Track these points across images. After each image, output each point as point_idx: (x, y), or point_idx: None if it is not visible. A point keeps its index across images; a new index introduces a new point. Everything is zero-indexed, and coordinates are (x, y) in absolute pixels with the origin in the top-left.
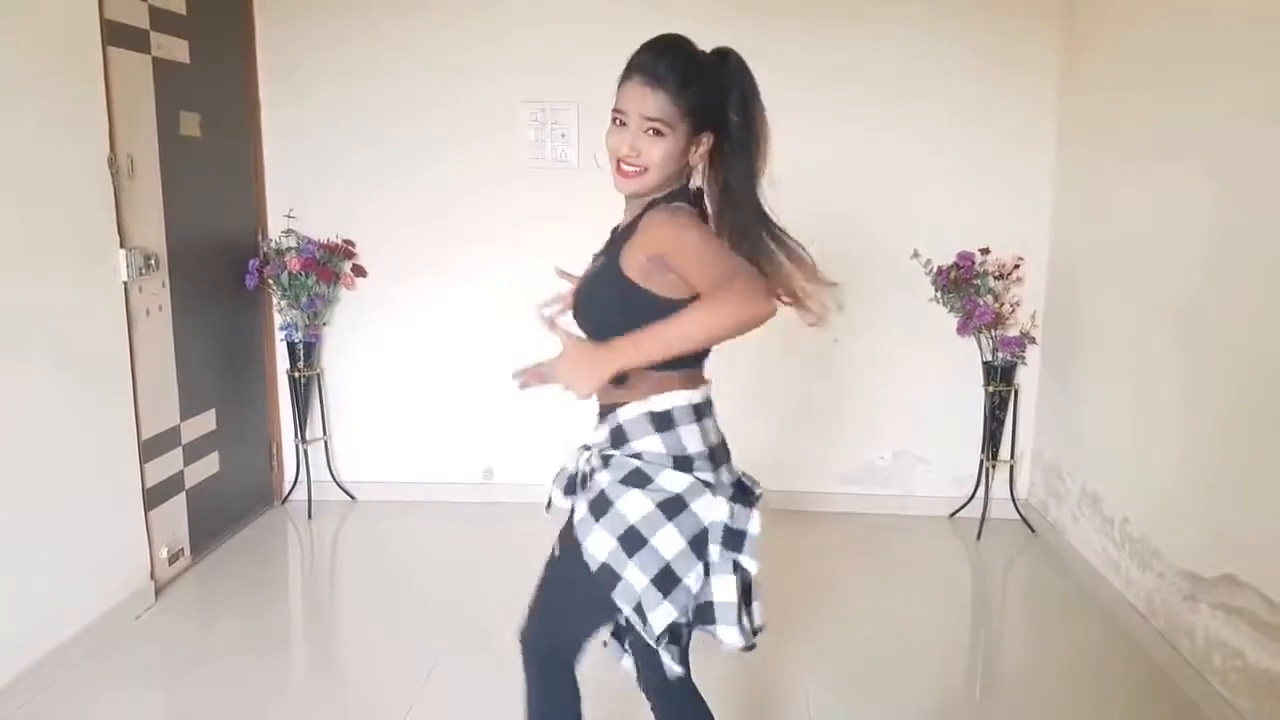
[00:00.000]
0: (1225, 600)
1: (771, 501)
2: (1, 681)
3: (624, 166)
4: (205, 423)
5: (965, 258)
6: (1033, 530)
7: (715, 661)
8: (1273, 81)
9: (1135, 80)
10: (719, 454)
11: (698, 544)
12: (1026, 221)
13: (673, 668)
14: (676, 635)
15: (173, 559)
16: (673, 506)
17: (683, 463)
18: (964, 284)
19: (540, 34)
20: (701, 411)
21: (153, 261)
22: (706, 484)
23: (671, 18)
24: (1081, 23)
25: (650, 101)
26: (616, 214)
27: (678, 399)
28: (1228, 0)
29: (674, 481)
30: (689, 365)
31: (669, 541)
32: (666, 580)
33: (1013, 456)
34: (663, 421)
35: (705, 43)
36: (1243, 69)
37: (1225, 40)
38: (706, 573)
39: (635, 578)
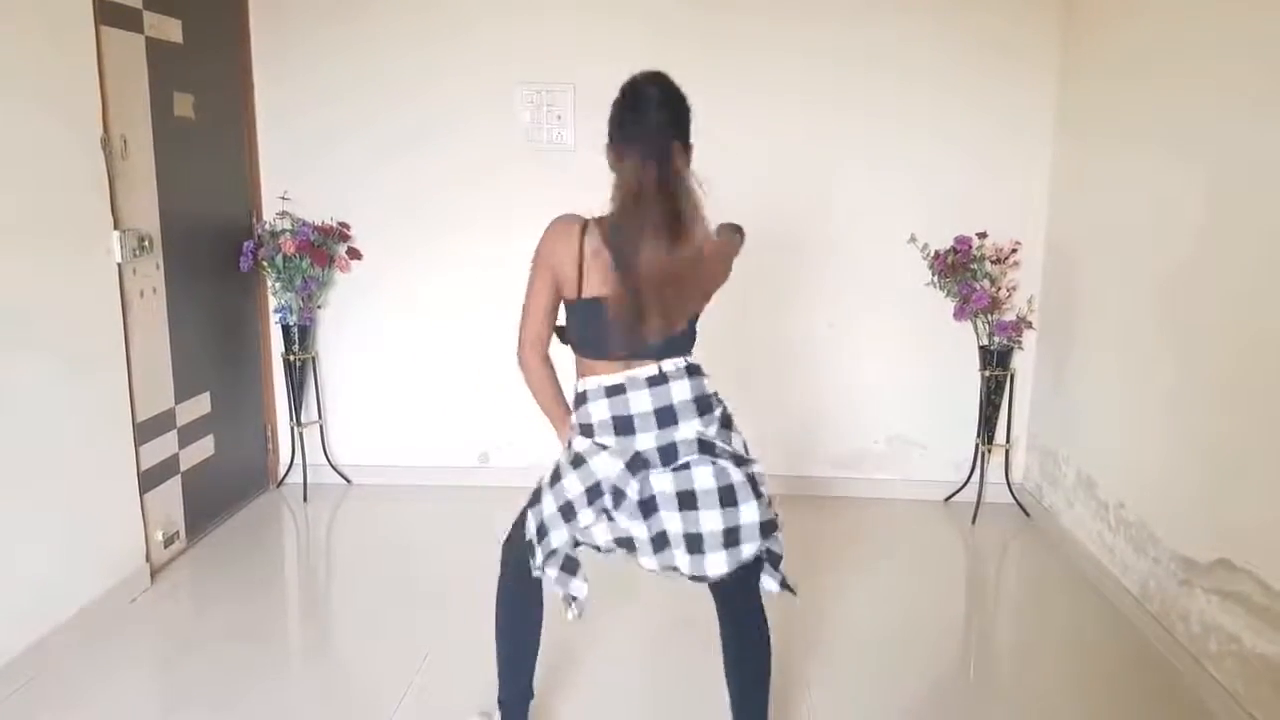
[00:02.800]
0: (1221, 585)
1: (767, 486)
2: None
3: None
4: (200, 405)
5: (963, 242)
6: (1028, 515)
7: (711, 649)
8: (1270, 71)
9: (1134, 68)
10: (629, 424)
11: (592, 492)
12: (1024, 206)
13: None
14: (567, 563)
15: (168, 542)
16: (578, 460)
17: (586, 430)
18: (961, 268)
19: (536, 15)
20: (613, 390)
21: (146, 243)
22: (602, 446)
23: (668, 4)
24: (1082, 10)
25: None
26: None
27: (589, 383)
28: None
29: (579, 444)
30: (596, 355)
31: (572, 485)
32: (568, 512)
33: (1008, 441)
34: (579, 399)
35: (702, 30)
36: (1242, 58)
37: (1224, 29)
38: (609, 516)
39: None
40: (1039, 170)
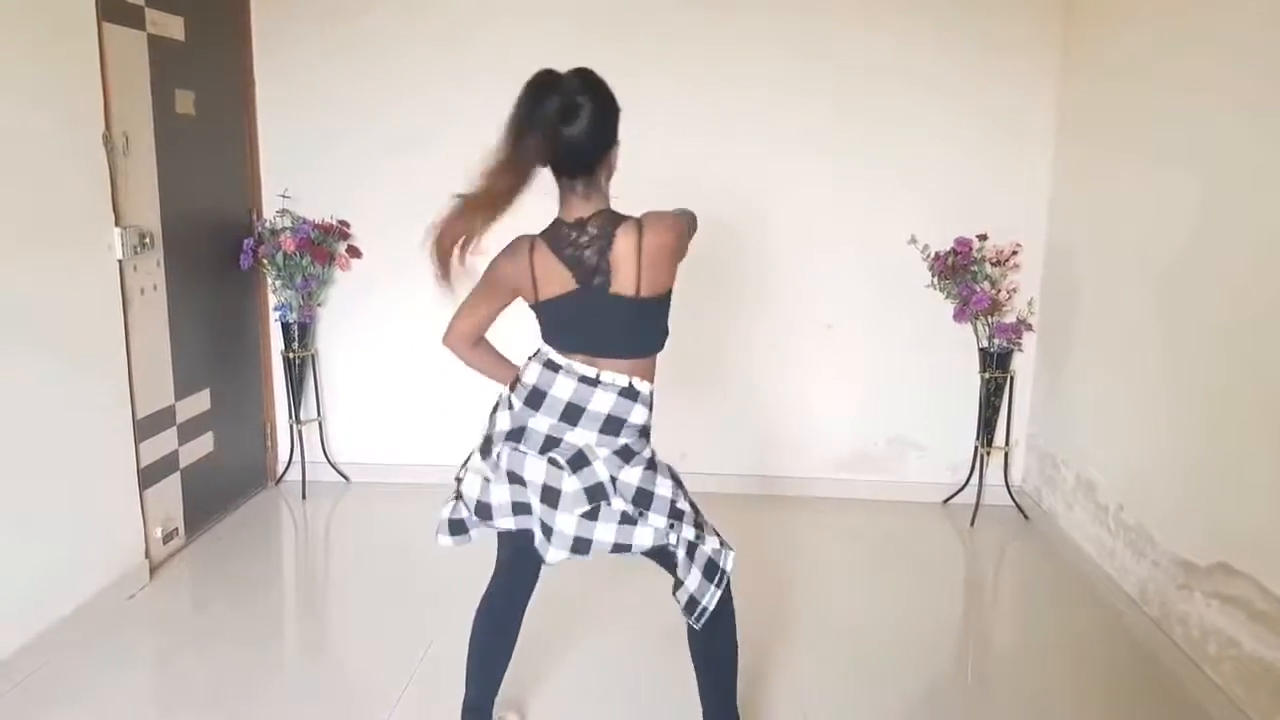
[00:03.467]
0: (1220, 588)
1: (766, 487)
2: None
3: None
4: (200, 403)
5: (963, 244)
6: (1026, 517)
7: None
8: (1268, 75)
9: (1135, 69)
10: (539, 400)
11: (486, 443)
12: (1024, 208)
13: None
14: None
15: (167, 538)
16: (494, 407)
17: (514, 383)
18: (961, 270)
19: (537, 17)
20: (550, 365)
21: (148, 240)
22: (510, 406)
23: (668, 4)
24: (1082, 13)
25: None
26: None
27: (542, 348)
28: None
29: (502, 391)
30: (561, 349)
31: (486, 428)
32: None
33: (1007, 443)
34: (531, 356)
35: (701, 32)
36: (1241, 62)
37: (1224, 31)
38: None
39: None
40: (1039, 172)
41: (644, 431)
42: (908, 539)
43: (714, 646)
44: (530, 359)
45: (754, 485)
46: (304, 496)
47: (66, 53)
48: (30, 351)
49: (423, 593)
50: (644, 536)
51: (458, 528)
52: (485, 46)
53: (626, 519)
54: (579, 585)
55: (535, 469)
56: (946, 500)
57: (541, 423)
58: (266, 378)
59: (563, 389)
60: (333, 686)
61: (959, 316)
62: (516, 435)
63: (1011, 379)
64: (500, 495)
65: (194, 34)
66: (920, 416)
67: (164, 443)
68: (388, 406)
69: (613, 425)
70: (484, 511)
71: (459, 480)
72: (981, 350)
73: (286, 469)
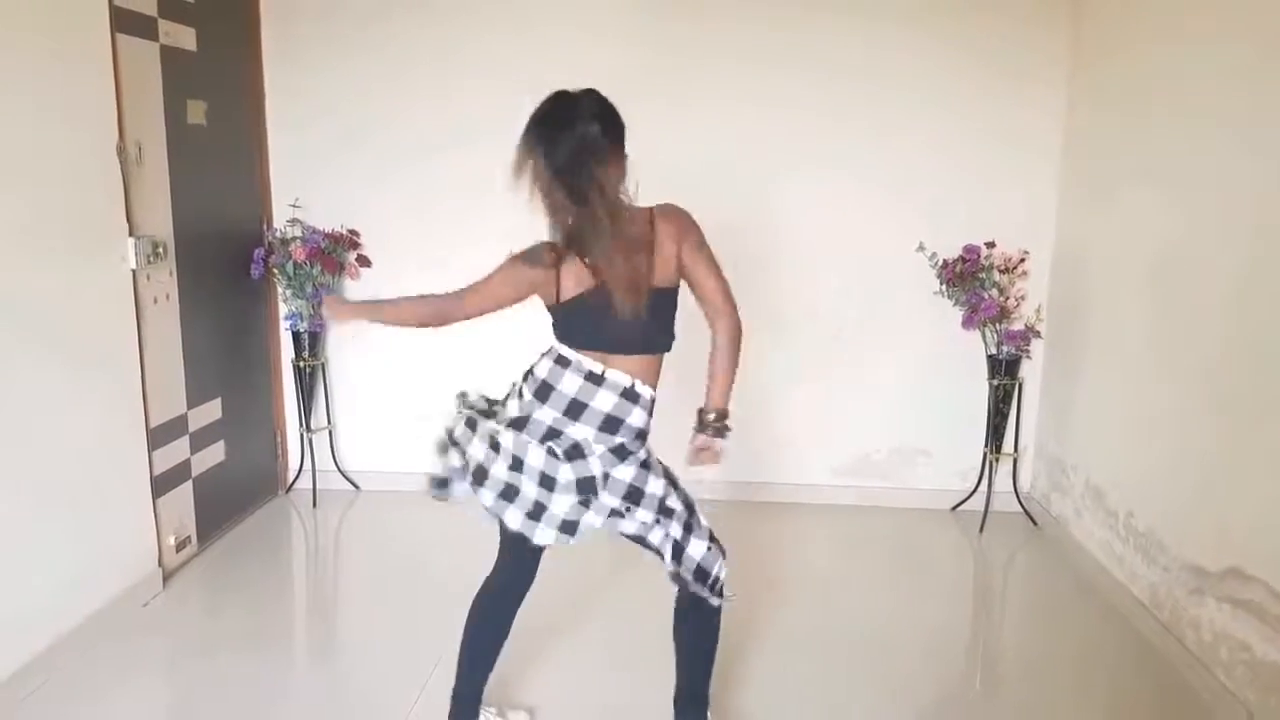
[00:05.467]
0: (1232, 593)
1: (774, 494)
2: (10, 668)
3: None
4: (211, 411)
5: (971, 251)
6: (1035, 524)
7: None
8: (1262, 93)
9: (1142, 85)
10: (546, 395)
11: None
12: (1032, 215)
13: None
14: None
15: (180, 546)
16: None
17: (540, 390)
18: (969, 277)
19: (547, 25)
20: (557, 359)
21: (160, 250)
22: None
23: (674, 13)
24: (1091, 28)
25: None
26: None
27: (574, 355)
28: (1229, 18)
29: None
30: (580, 346)
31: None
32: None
33: (1016, 450)
34: (559, 361)
35: (709, 46)
36: (1238, 80)
37: (1226, 51)
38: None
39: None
40: (1046, 180)
41: (641, 434)
42: (916, 546)
43: (702, 637)
44: (543, 355)
45: (762, 492)
46: (314, 505)
47: (80, 64)
48: (44, 360)
49: (434, 601)
50: (628, 527)
51: (443, 483)
52: (496, 57)
53: (614, 514)
54: (577, 579)
55: (535, 456)
56: (955, 507)
57: (546, 415)
58: (277, 386)
59: (569, 385)
60: (345, 695)
61: (967, 323)
62: (520, 424)
63: (1020, 385)
64: (499, 471)
65: (205, 45)
66: (929, 423)
67: (176, 451)
68: (397, 415)
69: (611, 424)
70: (480, 476)
71: (452, 435)
72: (990, 357)
73: (297, 477)
